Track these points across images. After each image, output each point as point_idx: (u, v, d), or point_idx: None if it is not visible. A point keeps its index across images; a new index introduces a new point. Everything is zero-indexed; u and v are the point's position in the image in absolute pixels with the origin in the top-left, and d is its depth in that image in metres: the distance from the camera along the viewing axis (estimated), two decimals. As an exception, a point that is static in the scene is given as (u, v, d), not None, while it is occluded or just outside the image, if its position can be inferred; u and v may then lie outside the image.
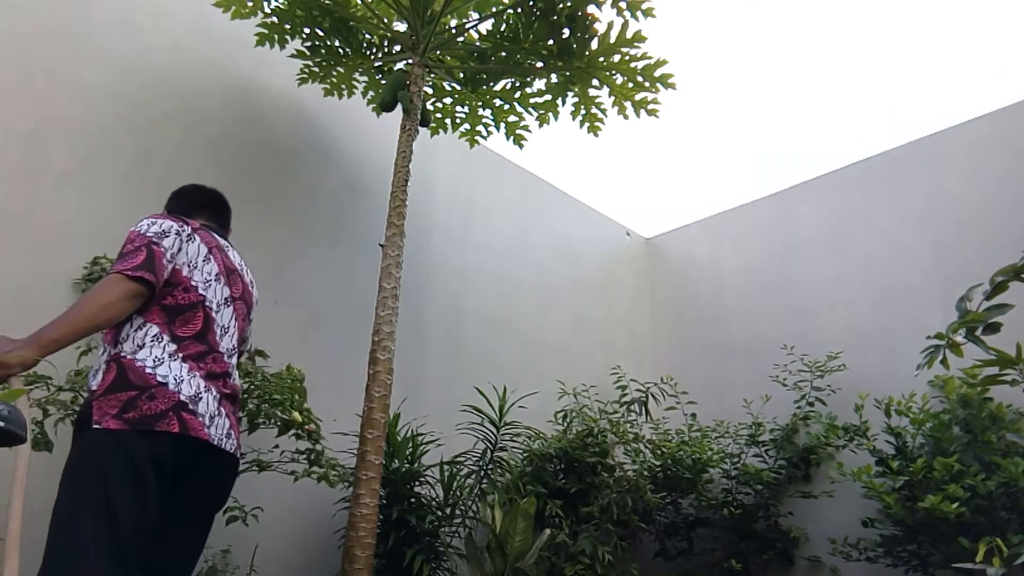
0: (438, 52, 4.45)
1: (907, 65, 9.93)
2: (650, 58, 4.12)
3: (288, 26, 4.16)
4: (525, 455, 4.71)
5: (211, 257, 2.13)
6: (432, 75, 4.57)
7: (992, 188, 4.90)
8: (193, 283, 2.03)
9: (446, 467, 4.24)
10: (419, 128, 4.13)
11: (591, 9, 3.98)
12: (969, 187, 5.02)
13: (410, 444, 4.13)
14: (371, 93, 4.67)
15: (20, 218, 3.35)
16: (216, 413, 1.95)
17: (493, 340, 5.47)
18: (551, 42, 4.16)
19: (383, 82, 4.50)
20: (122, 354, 1.87)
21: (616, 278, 6.76)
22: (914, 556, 4.28)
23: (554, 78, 4.41)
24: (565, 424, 5.01)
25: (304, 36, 4.26)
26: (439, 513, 4.10)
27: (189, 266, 2.04)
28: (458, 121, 4.88)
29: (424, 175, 5.10)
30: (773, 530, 5.08)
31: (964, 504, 3.91)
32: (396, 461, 4.02)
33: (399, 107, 4.16)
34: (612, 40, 4.05)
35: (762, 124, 10.86)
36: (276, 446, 3.49)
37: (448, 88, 4.71)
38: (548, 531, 3.96)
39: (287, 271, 4.33)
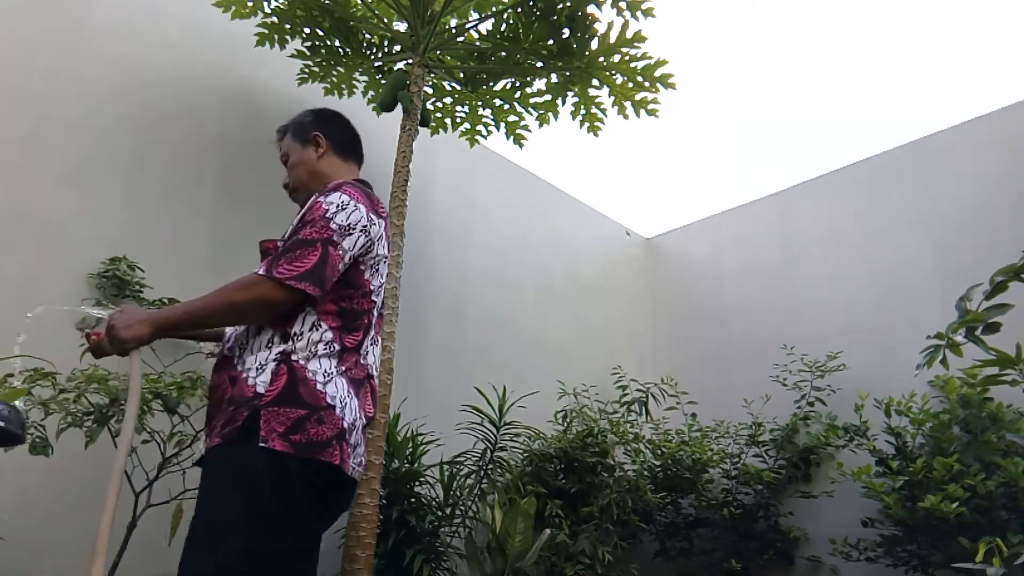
0: (438, 52, 4.45)
1: (907, 65, 9.93)
2: (650, 58, 4.12)
3: (288, 26, 4.16)
4: (525, 455, 4.71)
5: (388, 253, 1.89)
6: (432, 75, 4.57)
7: (992, 188, 4.90)
8: (371, 288, 1.79)
9: (446, 467, 4.24)
10: (419, 128, 4.14)
11: (591, 9, 3.98)
12: (969, 187, 5.02)
13: (410, 444, 4.13)
14: (371, 93, 4.67)
15: (20, 218, 3.36)
16: (360, 441, 1.77)
17: (493, 340, 5.47)
18: (551, 42, 4.16)
19: (383, 82, 4.50)
20: (294, 357, 1.63)
21: (616, 278, 6.76)
22: (914, 556, 4.29)
23: (554, 78, 4.41)
24: (565, 424, 5.01)
25: (304, 36, 4.26)
26: (439, 513, 4.10)
27: (372, 268, 1.79)
28: (458, 121, 4.88)
29: (424, 175, 5.10)
30: (773, 530, 5.08)
31: (964, 504, 3.91)
32: (396, 461, 4.02)
33: (399, 107, 4.17)
34: (612, 40, 4.05)
35: (762, 124, 10.86)
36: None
37: (448, 88, 4.71)
38: (548, 531, 3.96)
39: (287, 271, 4.32)
